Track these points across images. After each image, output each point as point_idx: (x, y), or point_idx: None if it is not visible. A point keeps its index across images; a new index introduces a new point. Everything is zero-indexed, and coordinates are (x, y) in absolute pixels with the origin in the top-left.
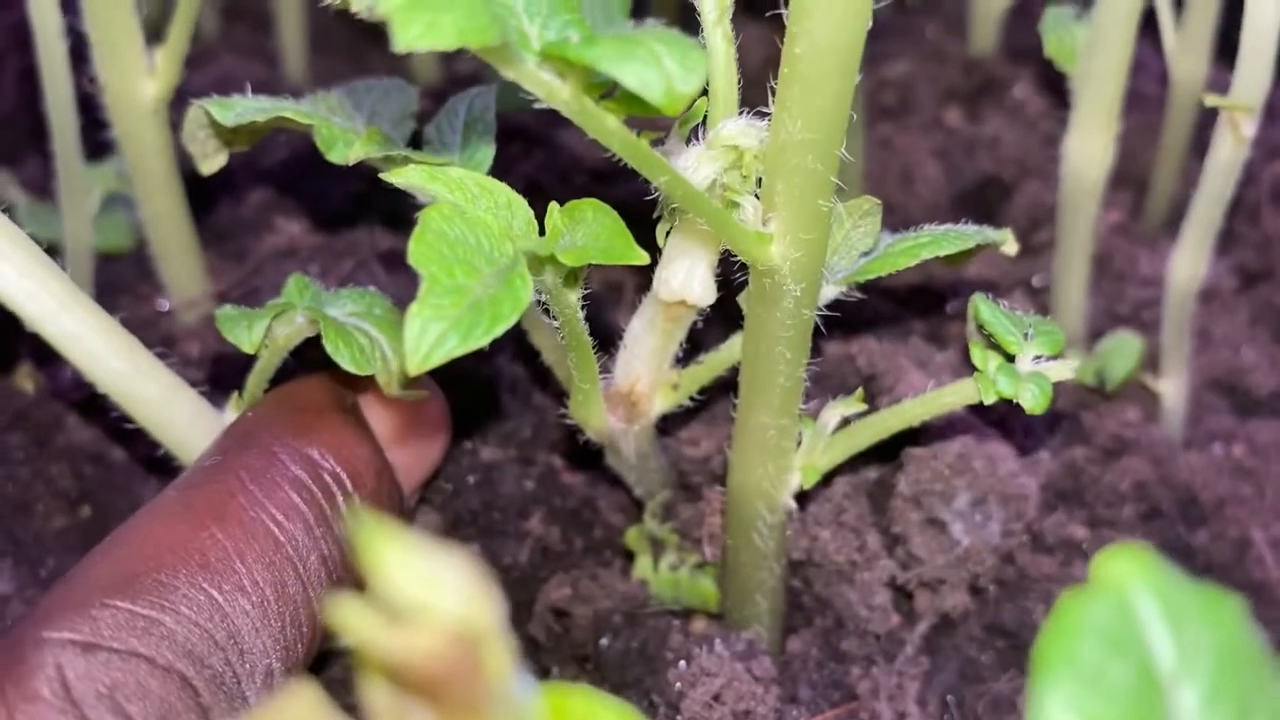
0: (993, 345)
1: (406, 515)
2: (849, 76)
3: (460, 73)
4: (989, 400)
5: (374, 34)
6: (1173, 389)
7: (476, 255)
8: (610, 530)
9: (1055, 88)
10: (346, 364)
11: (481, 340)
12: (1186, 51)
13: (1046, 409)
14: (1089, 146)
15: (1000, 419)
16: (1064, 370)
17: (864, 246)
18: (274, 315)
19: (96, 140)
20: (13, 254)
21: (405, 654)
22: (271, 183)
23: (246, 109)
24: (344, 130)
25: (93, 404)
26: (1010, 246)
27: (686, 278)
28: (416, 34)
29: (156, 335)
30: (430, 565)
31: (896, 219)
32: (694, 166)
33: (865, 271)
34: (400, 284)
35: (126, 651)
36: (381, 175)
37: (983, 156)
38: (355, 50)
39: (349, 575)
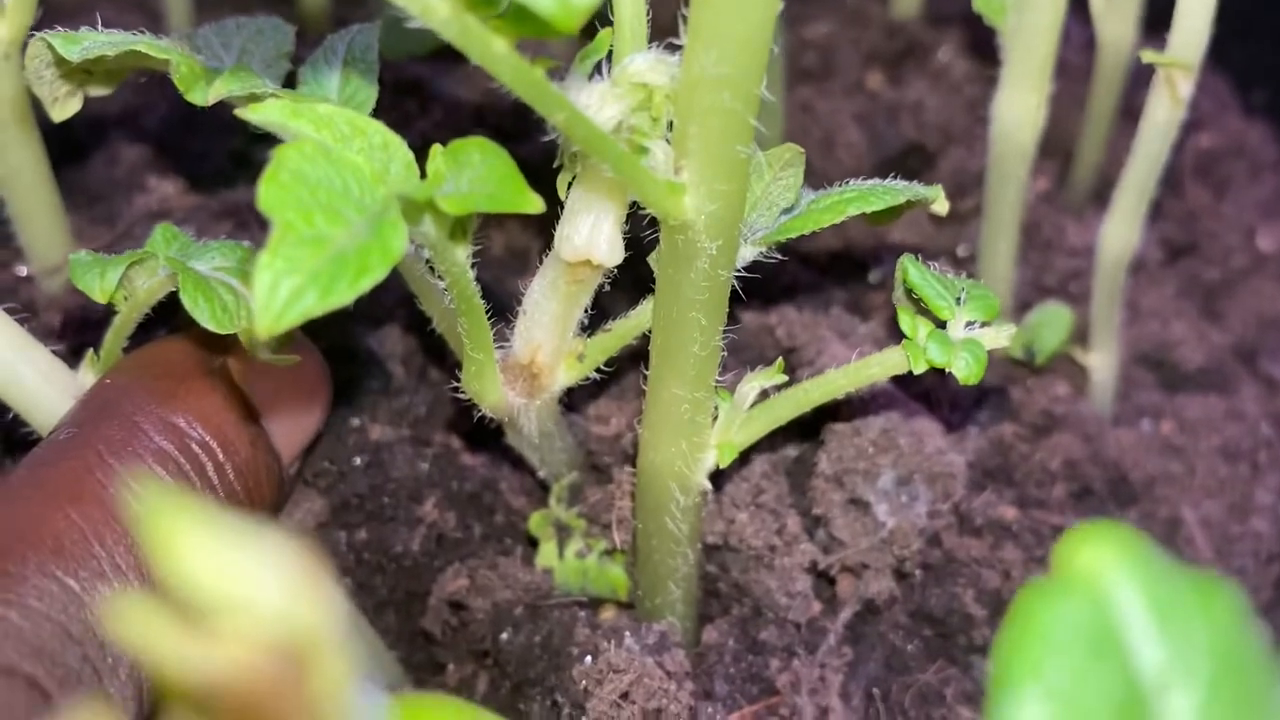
0: (922, 311)
1: (285, 488)
2: (771, 6)
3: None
4: (919, 369)
5: None
6: (1102, 363)
7: (344, 201)
8: (512, 515)
9: (980, 52)
10: (206, 321)
11: (345, 297)
12: (1114, 15)
13: (978, 381)
14: (1020, 106)
15: (925, 393)
16: (999, 337)
17: (785, 202)
18: (130, 263)
19: None
20: None
21: (210, 669)
22: (147, 140)
23: (95, 43)
24: (207, 69)
25: None
26: (941, 205)
27: (591, 234)
28: None
29: (15, 302)
30: (242, 551)
31: (817, 185)
32: (597, 105)
33: (787, 229)
34: None
35: None
36: (237, 111)
37: (906, 122)
38: (244, 5)
39: None
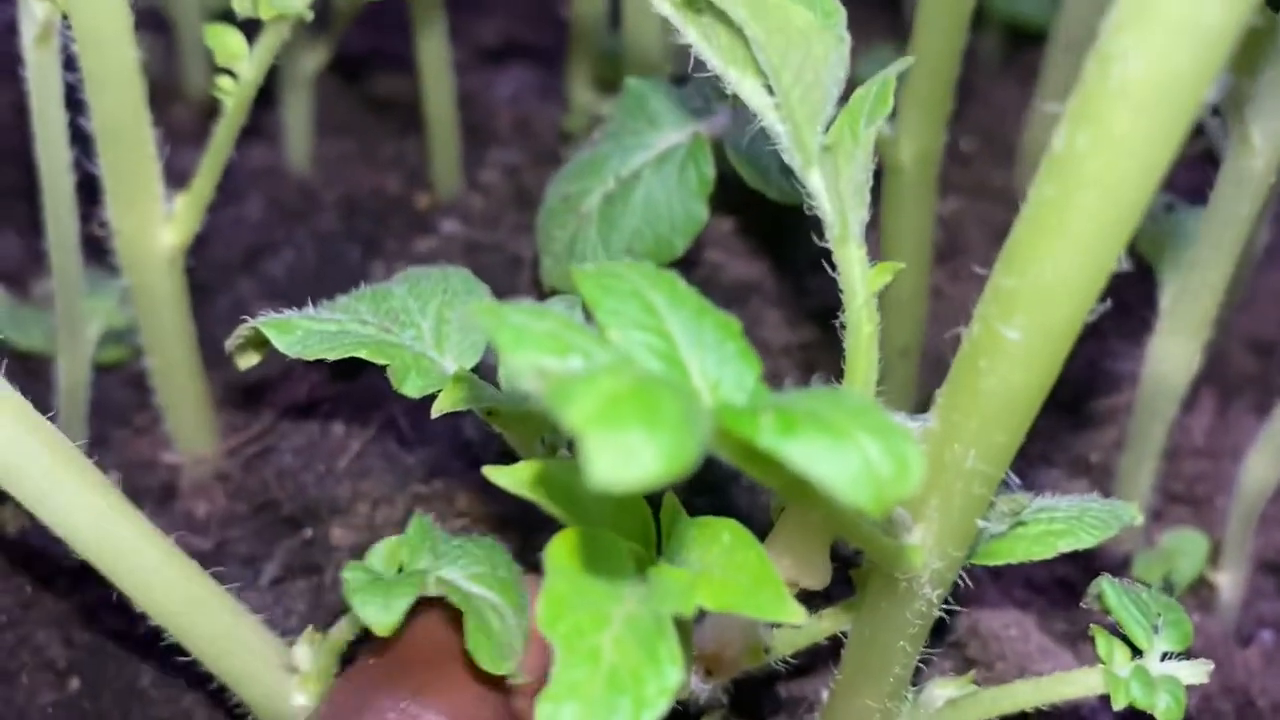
0: (1107, 621)
1: None
2: (1040, 404)
3: (485, 181)
4: (1119, 705)
5: (380, 111)
6: (1231, 581)
7: (602, 594)
8: None
9: None
10: (487, 663)
11: None
12: None
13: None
14: (1177, 353)
15: (1070, 635)
16: (1198, 674)
17: (995, 531)
18: (413, 589)
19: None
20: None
21: None
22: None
23: (310, 337)
24: (416, 356)
25: (88, 567)
26: (1138, 519)
27: (801, 563)
28: (613, 466)
29: (157, 484)
30: None
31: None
32: None
33: (999, 555)
34: (424, 436)
35: None
36: (486, 472)
37: None
38: (362, 130)
39: None
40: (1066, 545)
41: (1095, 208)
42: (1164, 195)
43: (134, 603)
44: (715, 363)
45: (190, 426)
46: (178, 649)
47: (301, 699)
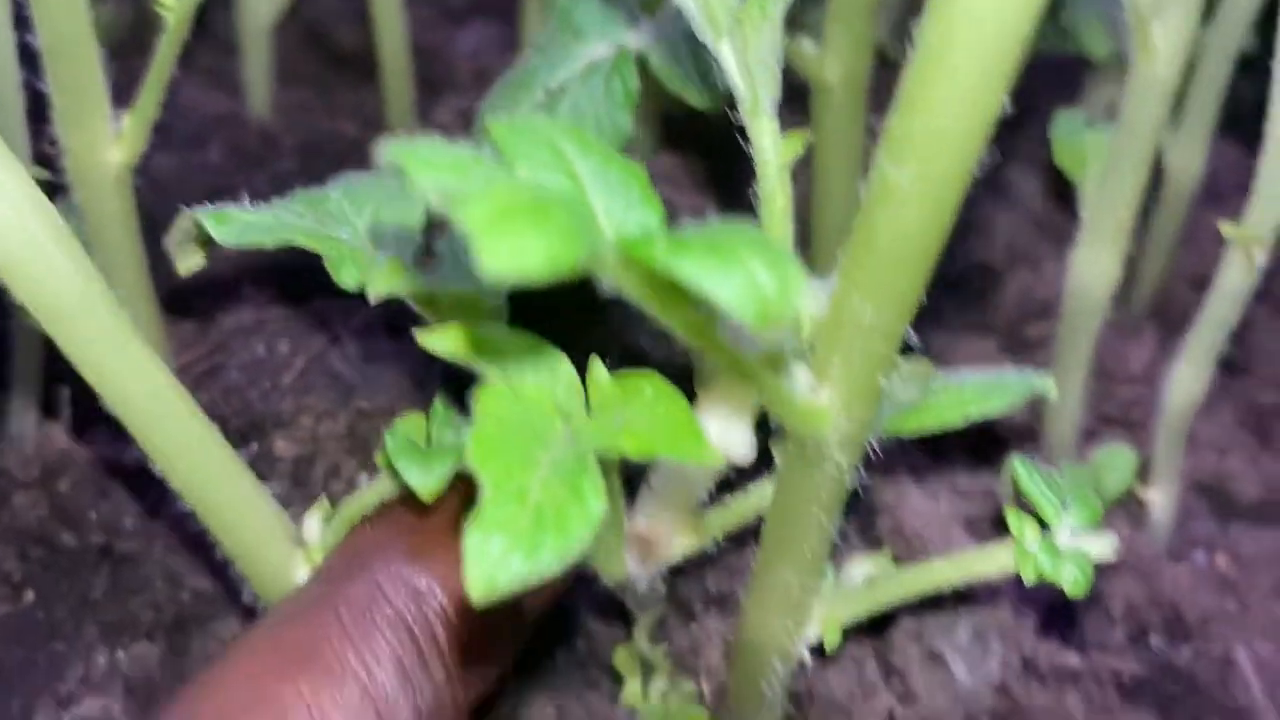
0: (1022, 502)
1: (526, 634)
2: (934, 257)
3: (439, 122)
4: (1030, 579)
5: (340, 64)
6: (1161, 498)
7: (531, 441)
8: (592, 642)
9: (1048, 171)
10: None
11: (552, 564)
12: (1182, 145)
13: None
14: (1098, 265)
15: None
16: (1104, 548)
17: (906, 399)
18: (453, 459)
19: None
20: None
21: None
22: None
23: (248, 228)
24: (353, 249)
25: (42, 482)
26: (1052, 392)
27: (724, 434)
28: (503, 260)
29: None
30: None
31: None
32: (747, 334)
33: (908, 423)
34: (368, 356)
35: None
36: (419, 337)
37: (972, 240)
38: (321, 81)
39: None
40: (977, 412)
41: (975, 46)
42: (1085, 113)
43: (154, 461)
44: (622, 206)
45: None
46: (130, 558)
47: (304, 573)
